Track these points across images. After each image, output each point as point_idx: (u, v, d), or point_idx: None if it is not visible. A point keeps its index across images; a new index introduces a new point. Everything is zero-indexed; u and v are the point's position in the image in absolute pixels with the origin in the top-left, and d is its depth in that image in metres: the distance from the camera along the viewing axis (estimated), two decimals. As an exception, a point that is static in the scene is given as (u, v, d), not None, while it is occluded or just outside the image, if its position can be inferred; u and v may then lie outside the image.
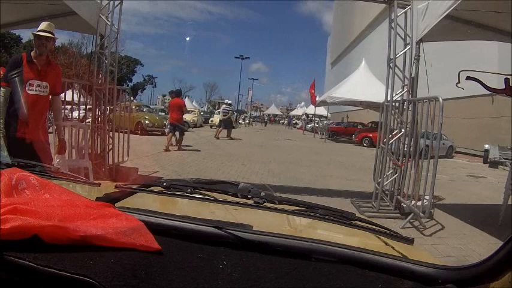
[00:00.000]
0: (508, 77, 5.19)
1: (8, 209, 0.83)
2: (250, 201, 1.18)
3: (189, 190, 1.25)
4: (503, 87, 5.17)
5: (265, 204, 1.16)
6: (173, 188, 1.29)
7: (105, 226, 0.88)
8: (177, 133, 13.68)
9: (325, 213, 1.16)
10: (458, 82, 5.34)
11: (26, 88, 4.38)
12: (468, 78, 5.43)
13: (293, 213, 1.18)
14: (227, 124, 21.04)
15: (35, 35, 4.48)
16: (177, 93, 14.99)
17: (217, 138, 20.00)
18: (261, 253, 0.96)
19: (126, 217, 0.94)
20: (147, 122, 20.27)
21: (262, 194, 1.20)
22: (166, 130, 15.14)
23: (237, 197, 1.21)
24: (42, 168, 1.47)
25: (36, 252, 0.81)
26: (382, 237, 1.19)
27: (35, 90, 4.45)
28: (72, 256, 0.82)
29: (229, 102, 24.30)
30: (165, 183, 1.30)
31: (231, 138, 20.74)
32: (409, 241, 1.12)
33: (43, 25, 4.53)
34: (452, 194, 8.62)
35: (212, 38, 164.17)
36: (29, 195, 0.97)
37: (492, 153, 17.44)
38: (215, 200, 1.21)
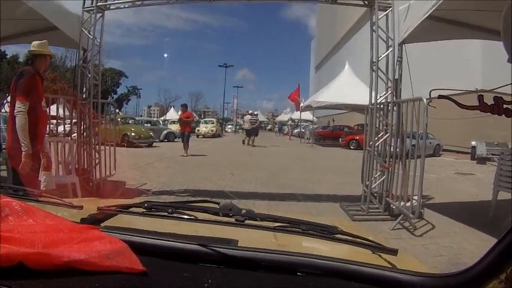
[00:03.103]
0: (482, 93, 5.28)
1: (-8, 237, 0.83)
2: (232, 220, 1.18)
3: (170, 210, 1.26)
4: (477, 104, 5.25)
5: (247, 221, 1.17)
6: (154, 209, 1.30)
7: (89, 250, 0.88)
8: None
9: (307, 229, 1.16)
10: (430, 101, 5.39)
11: (42, 105, 4.29)
12: (441, 97, 5.48)
13: (275, 229, 1.18)
14: (253, 132, 24.06)
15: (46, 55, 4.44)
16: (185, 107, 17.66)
17: (254, 146, 22.83)
18: (247, 269, 0.96)
19: (110, 239, 0.94)
20: (133, 134, 20.27)
21: (243, 211, 1.20)
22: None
23: (219, 215, 1.21)
24: (25, 192, 1.46)
25: (21, 279, 0.82)
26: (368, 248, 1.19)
27: (45, 107, 4.41)
28: (58, 282, 0.83)
29: (256, 113, 28.61)
30: (146, 204, 1.31)
31: (254, 146, 22.92)
32: (393, 252, 1.12)
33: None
34: (441, 192, 8.64)
35: (197, 47, 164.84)
36: (13, 222, 0.97)
37: (479, 149, 17.63)
38: (197, 220, 1.21)
